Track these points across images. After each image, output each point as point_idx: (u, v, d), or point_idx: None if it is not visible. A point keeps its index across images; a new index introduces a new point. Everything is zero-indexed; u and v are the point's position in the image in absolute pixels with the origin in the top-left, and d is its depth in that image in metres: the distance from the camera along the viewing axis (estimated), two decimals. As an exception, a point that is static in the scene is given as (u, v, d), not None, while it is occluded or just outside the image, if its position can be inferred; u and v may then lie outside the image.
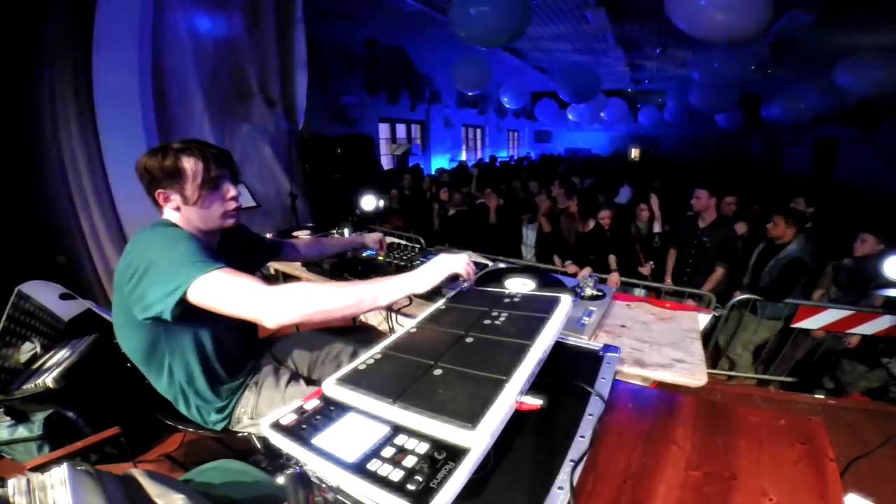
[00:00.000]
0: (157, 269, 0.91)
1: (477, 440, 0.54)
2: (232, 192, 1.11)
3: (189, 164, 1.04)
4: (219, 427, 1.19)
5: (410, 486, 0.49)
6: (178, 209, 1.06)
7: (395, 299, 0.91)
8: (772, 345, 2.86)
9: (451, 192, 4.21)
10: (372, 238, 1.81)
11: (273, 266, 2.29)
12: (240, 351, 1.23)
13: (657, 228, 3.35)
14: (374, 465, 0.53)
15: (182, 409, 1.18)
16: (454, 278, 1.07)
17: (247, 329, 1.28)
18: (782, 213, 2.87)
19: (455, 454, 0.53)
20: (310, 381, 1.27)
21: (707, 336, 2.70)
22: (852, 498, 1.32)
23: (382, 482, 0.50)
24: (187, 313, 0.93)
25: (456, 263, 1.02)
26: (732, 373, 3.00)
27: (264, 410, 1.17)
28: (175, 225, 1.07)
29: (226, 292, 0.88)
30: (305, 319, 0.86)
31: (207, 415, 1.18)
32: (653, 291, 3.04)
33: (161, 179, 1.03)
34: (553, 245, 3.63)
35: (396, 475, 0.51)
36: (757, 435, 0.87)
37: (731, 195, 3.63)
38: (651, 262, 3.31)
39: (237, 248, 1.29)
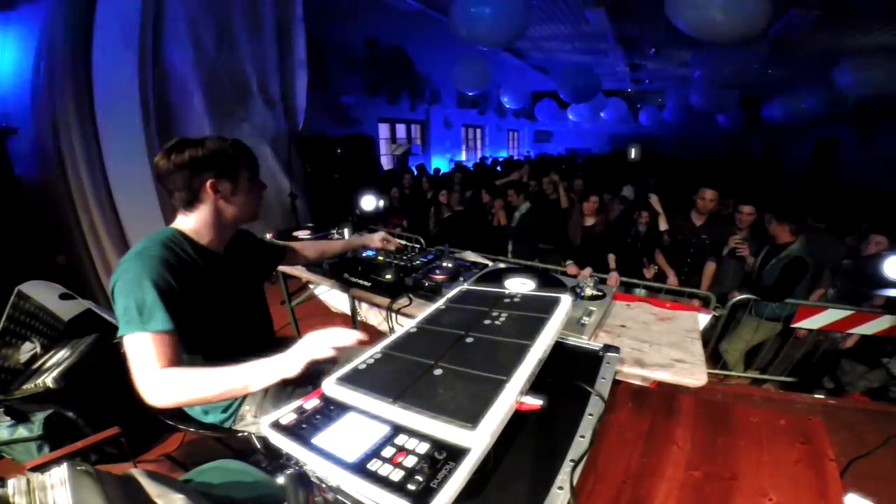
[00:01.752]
0: (120, 305, 0.95)
1: (477, 440, 0.54)
2: (263, 186, 1.21)
3: (244, 154, 1.12)
4: (225, 425, 1.20)
5: (411, 486, 0.49)
6: (223, 199, 1.10)
7: (266, 385, 0.91)
8: (772, 345, 2.85)
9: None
10: (375, 239, 1.81)
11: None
12: (247, 351, 1.23)
13: (663, 226, 3.27)
14: (374, 465, 0.53)
15: (188, 408, 1.19)
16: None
17: (256, 330, 1.29)
18: (774, 213, 2.81)
19: (455, 454, 0.53)
20: (317, 387, 1.27)
21: (707, 336, 2.70)
22: (852, 498, 1.32)
23: (383, 482, 0.50)
24: (187, 321, 0.99)
25: (317, 349, 0.89)
26: (733, 373, 3.00)
27: (269, 410, 1.17)
28: (169, 242, 1.06)
29: (132, 360, 0.91)
30: (177, 406, 0.94)
31: (212, 412, 1.18)
32: (653, 291, 3.03)
33: (214, 167, 1.06)
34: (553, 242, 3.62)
35: (397, 475, 0.51)
36: (757, 435, 0.87)
37: (748, 204, 3.09)
38: (655, 266, 3.27)
39: (245, 253, 1.31)
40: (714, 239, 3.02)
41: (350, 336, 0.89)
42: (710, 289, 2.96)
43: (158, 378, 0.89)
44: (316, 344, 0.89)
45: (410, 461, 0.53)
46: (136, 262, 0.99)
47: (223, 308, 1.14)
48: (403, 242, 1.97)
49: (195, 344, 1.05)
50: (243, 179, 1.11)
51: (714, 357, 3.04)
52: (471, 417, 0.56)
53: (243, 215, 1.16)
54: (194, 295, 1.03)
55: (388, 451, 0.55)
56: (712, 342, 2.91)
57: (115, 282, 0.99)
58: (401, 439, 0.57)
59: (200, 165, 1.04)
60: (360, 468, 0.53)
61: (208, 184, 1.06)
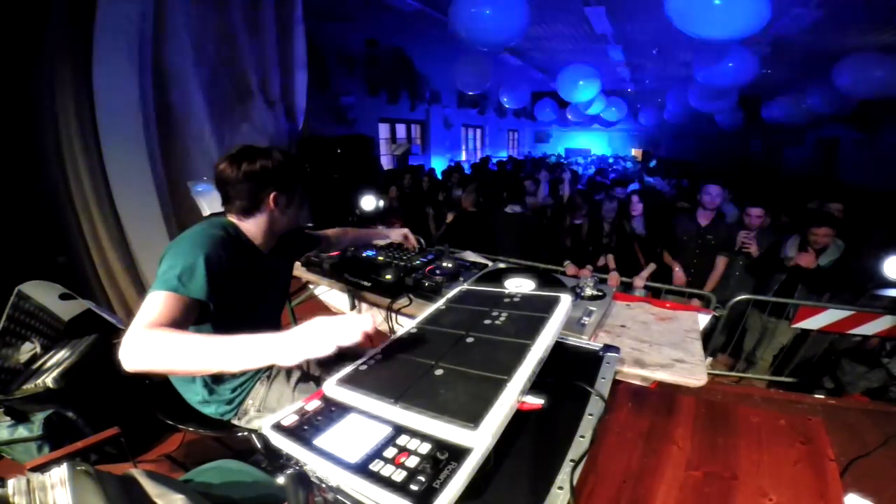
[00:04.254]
0: (165, 265, 0.96)
1: (479, 440, 0.54)
2: (307, 199, 1.26)
3: (301, 169, 1.17)
4: (226, 418, 1.20)
5: (413, 487, 0.49)
6: (281, 210, 1.14)
7: (250, 367, 0.79)
8: (791, 346, 2.83)
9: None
10: (396, 234, 1.85)
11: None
12: None
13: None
14: (376, 466, 0.53)
15: (190, 397, 1.20)
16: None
17: (268, 328, 1.30)
18: (824, 222, 2.66)
19: (457, 454, 0.53)
20: (319, 383, 1.28)
21: (708, 336, 2.70)
22: (852, 498, 1.32)
23: (385, 483, 0.50)
24: (221, 302, 0.99)
25: (319, 347, 0.76)
26: (734, 373, 3.00)
27: (272, 404, 1.19)
28: (229, 228, 1.10)
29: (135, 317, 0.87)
30: (149, 372, 0.81)
31: (214, 405, 1.19)
32: (653, 291, 3.02)
33: (279, 180, 1.11)
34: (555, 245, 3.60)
35: (399, 476, 0.51)
36: (757, 435, 0.87)
37: (758, 206, 3.06)
38: (653, 264, 3.22)
39: (288, 245, 1.35)
40: (720, 239, 3.00)
41: (355, 332, 0.77)
42: (715, 290, 2.95)
43: (139, 336, 0.82)
44: (318, 341, 0.77)
45: (412, 461, 0.53)
46: (196, 233, 1.02)
47: (253, 299, 1.16)
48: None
49: (217, 325, 1.04)
50: (298, 193, 1.17)
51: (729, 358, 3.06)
52: (472, 417, 0.56)
53: (290, 226, 1.22)
54: (236, 277, 1.05)
55: (390, 452, 0.55)
56: (713, 341, 2.92)
57: (168, 247, 1.01)
58: (402, 440, 0.57)
59: (268, 178, 1.09)
60: (362, 469, 0.53)
61: (271, 197, 1.10)
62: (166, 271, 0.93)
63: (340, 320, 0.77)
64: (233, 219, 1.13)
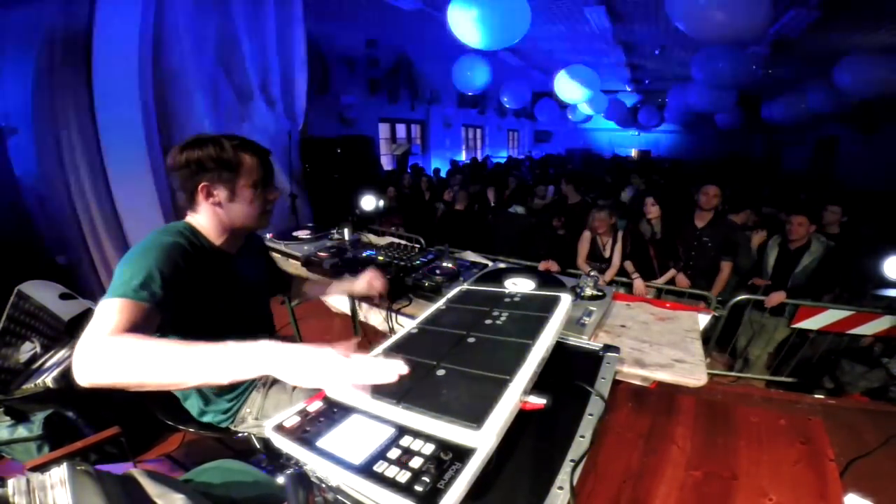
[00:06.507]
0: (117, 272, 0.88)
1: (483, 440, 0.54)
2: (274, 193, 1.12)
3: (248, 159, 1.03)
4: (222, 426, 1.20)
5: (418, 488, 0.49)
6: (218, 205, 1.04)
7: (243, 378, 0.68)
8: (791, 344, 2.83)
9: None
10: (360, 284, 1.43)
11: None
12: None
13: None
14: (380, 467, 0.53)
15: (185, 405, 1.19)
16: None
17: (258, 333, 1.28)
18: (804, 213, 2.69)
19: (461, 454, 0.53)
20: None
21: (708, 335, 2.70)
22: (852, 498, 1.32)
23: (390, 484, 0.50)
24: (186, 310, 0.94)
25: (329, 385, 0.66)
26: (733, 373, 3.00)
27: (270, 412, 1.17)
28: (185, 232, 1.02)
29: (88, 326, 0.76)
30: (108, 386, 0.70)
31: (211, 414, 1.18)
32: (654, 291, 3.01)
33: (211, 171, 1.00)
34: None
35: (403, 476, 0.51)
36: (757, 435, 0.87)
37: (749, 207, 3.25)
38: (673, 270, 3.10)
39: (260, 263, 1.28)
40: (717, 241, 2.99)
41: (381, 378, 0.65)
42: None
43: (101, 343, 0.71)
44: (331, 379, 0.65)
45: (416, 462, 0.53)
46: (146, 242, 0.95)
47: (226, 306, 1.10)
48: (399, 241, 1.94)
49: (189, 335, 1.00)
50: (242, 188, 1.04)
51: (722, 357, 3.06)
52: (475, 417, 0.56)
53: (244, 223, 1.09)
54: (200, 285, 0.99)
55: (393, 453, 0.55)
56: (741, 348, 2.97)
57: (120, 261, 0.93)
58: (406, 440, 0.57)
59: (196, 168, 1.00)
60: (366, 470, 0.53)
61: (200, 188, 1.01)
62: (119, 277, 0.85)
63: (369, 365, 0.66)
64: (189, 218, 1.06)
